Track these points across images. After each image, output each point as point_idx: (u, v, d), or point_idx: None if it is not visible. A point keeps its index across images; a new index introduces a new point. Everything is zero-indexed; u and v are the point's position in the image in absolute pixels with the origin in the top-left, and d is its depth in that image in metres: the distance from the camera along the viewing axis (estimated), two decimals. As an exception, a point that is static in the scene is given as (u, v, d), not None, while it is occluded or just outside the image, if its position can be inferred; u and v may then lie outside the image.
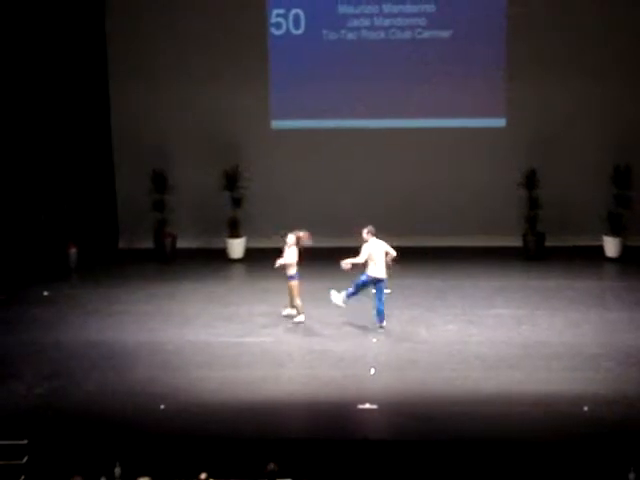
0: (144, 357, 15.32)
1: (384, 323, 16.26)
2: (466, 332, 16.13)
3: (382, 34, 20.93)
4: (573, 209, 20.86)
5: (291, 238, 16.57)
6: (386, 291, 16.89)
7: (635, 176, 20.22)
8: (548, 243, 20.54)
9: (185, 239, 21.12)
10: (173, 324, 16.78)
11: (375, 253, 16.18)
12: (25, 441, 12.33)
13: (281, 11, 20.99)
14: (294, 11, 20.96)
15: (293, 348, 15.60)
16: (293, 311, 16.72)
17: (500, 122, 21.02)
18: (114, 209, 21.72)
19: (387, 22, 20.90)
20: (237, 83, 21.06)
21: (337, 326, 16.50)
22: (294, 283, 16.56)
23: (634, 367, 14.51)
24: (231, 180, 20.73)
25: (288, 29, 21.01)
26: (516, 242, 20.64)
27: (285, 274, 16.58)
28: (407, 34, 20.89)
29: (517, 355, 15.07)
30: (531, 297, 17.81)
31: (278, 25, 21.03)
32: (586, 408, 13.06)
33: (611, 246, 20.32)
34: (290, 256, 16.49)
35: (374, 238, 16.27)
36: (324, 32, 20.99)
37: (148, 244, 21.04)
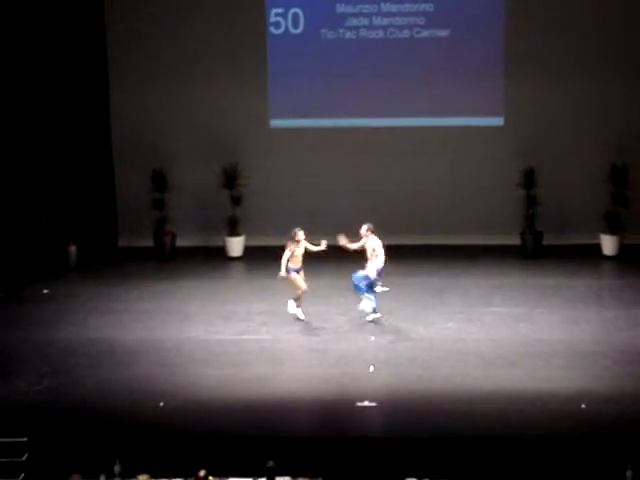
0: (143, 355, 15.35)
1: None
2: (465, 330, 16.16)
3: (380, 33, 20.96)
4: (571, 207, 20.90)
5: (301, 234, 16.48)
6: (384, 289, 16.93)
7: (632, 175, 20.25)
8: (546, 241, 20.58)
9: (184, 237, 21.15)
10: (172, 322, 16.81)
11: (379, 249, 16.21)
12: (25, 439, 12.36)
13: (280, 10, 21.03)
14: (293, 10, 20.99)
15: (292, 346, 15.64)
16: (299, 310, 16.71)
17: (498, 121, 21.06)
18: (114, 207, 21.76)
19: (385, 21, 20.93)
20: (236, 82, 21.09)
21: (336, 324, 16.53)
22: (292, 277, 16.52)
23: (631, 365, 14.53)
24: (230, 179, 20.77)
25: (287, 28, 21.05)
26: (514, 240, 20.68)
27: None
28: (405, 33, 20.93)
29: (515, 353, 15.10)
30: (529, 295, 17.84)
31: (277, 24, 21.07)
32: (584, 405, 13.09)
33: (609, 244, 20.36)
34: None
35: (373, 235, 16.29)
36: (323, 31, 21.03)
37: (148, 242, 21.07)
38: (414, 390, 13.84)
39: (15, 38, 20.45)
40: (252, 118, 21.24)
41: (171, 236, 20.99)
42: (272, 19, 21.09)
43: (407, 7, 20.90)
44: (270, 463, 11.05)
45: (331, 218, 20.26)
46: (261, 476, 11.13)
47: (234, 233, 20.94)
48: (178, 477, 11.58)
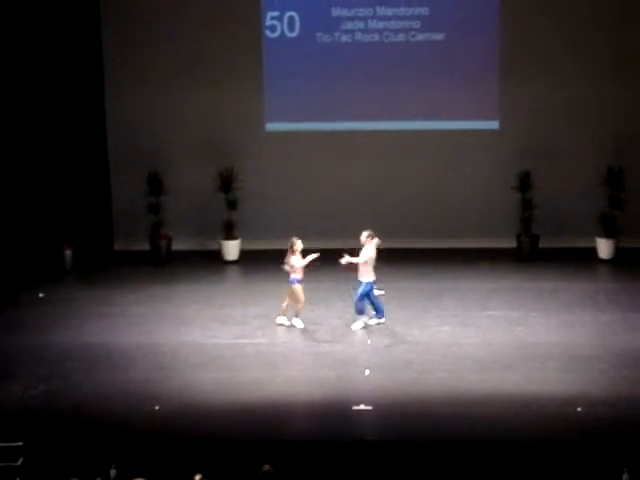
0: (139, 359, 15.34)
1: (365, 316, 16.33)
2: (460, 333, 16.16)
3: (376, 37, 20.98)
4: (567, 211, 20.92)
5: (299, 244, 16.47)
6: (380, 292, 16.93)
7: (628, 178, 20.27)
8: (542, 244, 20.60)
9: (180, 241, 21.16)
10: (168, 326, 16.80)
11: (373, 257, 16.22)
12: (20, 443, 12.34)
13: (275, 14, 21.04)
14: (288, 14, 21.01)
15: (288, 350, 15.63)
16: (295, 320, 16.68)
17: (493, 124, 21.09)
18: (109, 211, 21.75)
19: (381, 25, 20.95)
20: (232, 85, 21.11)
21: (331, 328, 16.53)
22: (294, 287, 16.50)
23: (627, 368, 14.55)
24: (226, 182, 20.78)
25: (283, 32, 21.06)
26: (510, 243, 20.69)
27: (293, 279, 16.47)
28: (401, 37, 20.95)
29: (511, 356, 15.10)
30: (525, 298, 17.85)
31: (273, 28, 21.08)
32: (580, 409, 13.10)
33: (604, 248, 20.38)
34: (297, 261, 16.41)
35: (370, 245, 16.27)
36: (318, 35, 21.05)
37: (143, 246, 21.06)
38: (410, 393, 13.84)
39: (10, 43, 20.45)
40: (248, 121, 21.24)
41: (167, 240, 20.98)
42: (268, 22, 21.10)
43: (402, 11, 20.93)
44: (266, 467, 11.03)
45: (327, 222, 20.29)
46: (257, 480, 11.12)
47: (230, 237, 20.94)
48: (174, 481, 11.58)
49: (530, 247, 20.56)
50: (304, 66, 21.12)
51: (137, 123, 21.33)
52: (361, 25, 20.99)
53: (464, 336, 16.04)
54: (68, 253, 20.35)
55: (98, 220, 21.57)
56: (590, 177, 20.42)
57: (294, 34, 21.09)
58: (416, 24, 20.92)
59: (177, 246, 21.10)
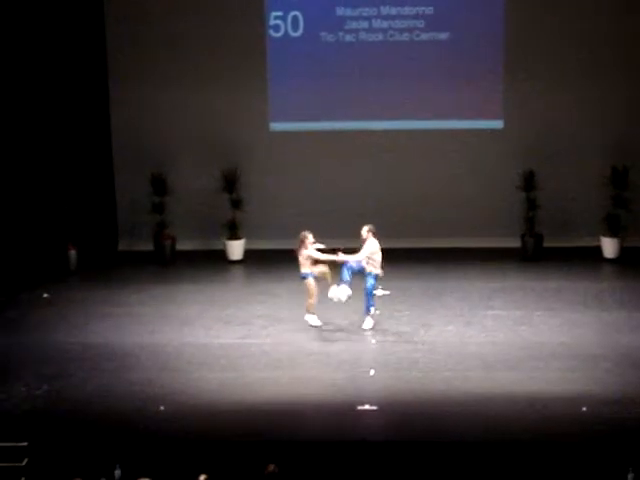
0: (144, 359, 15.34)
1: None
2: (465, 333, 16.16)
3: (380, 36, 20.96)
4: (571, 210, 20.90)
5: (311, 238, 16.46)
6: (385, 292, 16.92)
7: (633, 177, 20.25)
8: (546, 244, 20.58)
9: (184, 241, 21.15)
10: (172, 326, 16.80)
11: (376, 252, 16.21)
12: (25, 443, 12.35)
13: (279, 13, 21.02)
14: (292, 13, 20.99)
15: (292, 350, 15.62)
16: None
17: (498, 124, 21.06)
18: (114, 211, 21.75)
19: (385, 24, 20.93)
20: (236, 85, 21.09)
21: (336, 328, 16.53)
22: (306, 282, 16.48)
23: (632, 368, 14.53)
24: (230, 182, 20.77)
25: (286, 31, 21.04)
26: (514, 243, 20.67)
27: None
28: (405, 36, 20.93)
29: (516, 356, 15.09)
30: (529, 298, 17.84)
31: (276, 27, 21.06)
32: (585, 408, 13.09)
33: (609, 247, 20.36)
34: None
35: (373, 238, 16.28)
36: (322, 34, 21.02)
37: (148, 246, 21.07)
38: (415, 393, 13.84)
39: (14, 44, 20.46)
40: (252, 121, 21.24)
41: (171, 240, 20.98)
42: (271, 22, 21.09)
43: (407, 10, 20.90)
44: (271, 467, 11.03)
45: (331, 221, 20.24)
46: (262, 480, 11.12)
47: (234, 237, 20.93)
48: (178, 481, 11.59)
49: (534, 246, 20.54)
50: (308, 66, 21.10)
51: (141, 123, 21.33)
52: (365, 24, 20.97)
53: (469, 335, 16.04)
54: (72, 253, 20.35)
55: (102, 220, 21.56)
56: (594, 176, 20.41)
57: (298, 33, 21.07)
58: (420, 23, 20.89)
59: (181, 246, 21.09)
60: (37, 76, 20.76)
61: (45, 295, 18.59)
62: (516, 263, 20.19)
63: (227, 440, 12.59)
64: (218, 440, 12.59)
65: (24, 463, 12.22)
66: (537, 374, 14.36)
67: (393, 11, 20.93)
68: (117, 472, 11.55)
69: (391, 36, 20.97)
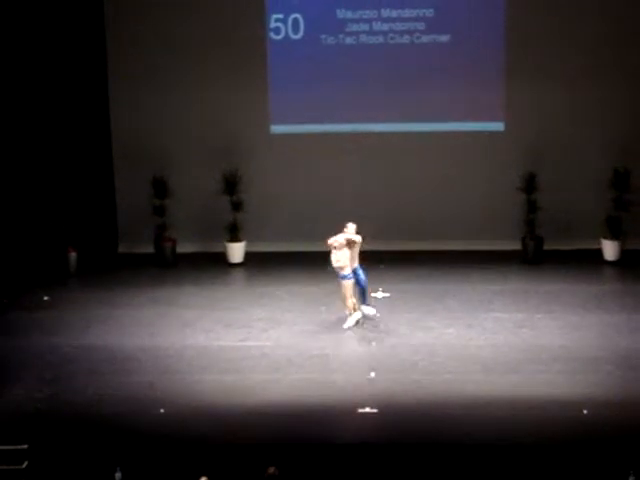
0: (144, 361, 15.34)
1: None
2: (465, 336, 16.14)
3: (381, 39, 20.95)
4: (572, 212, 20.88)
5: (341, 238, 16.47)
6: (385, 294, 16.93)
7: (634, 179, 20.24)
8: (547, 246, 20.56)
9: (185, 244, 21.14)
10: (173, 328, 16.80)
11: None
12: (25, 446, 12.35)
13: (280, 16, 21.02)
14: (293, 16, 20.98)
15: (293, 352, 15.61)
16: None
17: (498, 126, 21.05)
18: (114, 213, 21.75)
19: (386, 27, 20.92)
20: (236, 88, 21.08)
21: (336, 330, 16.52)
22: (346, 283, 16.49)
23: (633, 370, 14.52)
24: (230, 185, 20.76)
25: (287, 34, 21.04)
26: (515, 246, 20.66)
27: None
28: (406, 38, 20.92)
29: (516, 358, 15.09)
30: (530, 301, 17.82)
31: (277, 30, 21.06)
32: (586, 411, 13.08)
33: (610, 249, 20.34)
34: (343, 257, 16.39)
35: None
36: (323, 37, 21.01)
37: (148, 249, 21.06)
38: (415, 396, 13.83)
39: (13, 46, 20.46)
40: (252, 124, 21.23)
41: (171, 242, 20.97)
42: (272, 25, 21.08)
43: (407, 12, 20.89)
44: (271, 470, 11.03)
45: (332, 224, 20.18)
46: (262, 483, 11.13)
47: (235, 239, 20.92)
48: (179, 484, 11.59)
49: (535, 249, 20.52)
50: (309, 68, 21.09)
51: (141, 125, 21.32)
52: (366, 27, 20.96)
53: (469, 338, 16.03)
54: (73, 256, 20.34)
55: (102, 223, 21.56)
56: (596, 178, 20.40)
57: (299, 36, 21.07)
58: (421, 26, 20.88)
59: (182, 249, 21.08)
60: (37, 78, 20.75)
61: (45, 298, 18.59)
62: (517, 266, 20.17)
63: (227, 443, 12.59)
64: (218, 443, 12.59)
65: (24, 466, 12.22)
66: (538, 377, 14.36)
67: (394, 13, 20.92)
68: (117, 475, 11.56)
69: (392, 39, 20.97)
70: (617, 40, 20.55)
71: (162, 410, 13.44)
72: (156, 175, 20.85)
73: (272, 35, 21.11)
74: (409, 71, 20.93)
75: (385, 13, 20.92)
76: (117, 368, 15.06)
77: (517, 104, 20.80)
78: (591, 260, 20.21)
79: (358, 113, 21.10)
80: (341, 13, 20.95)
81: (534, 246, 20.52)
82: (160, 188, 20.87)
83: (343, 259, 16.34)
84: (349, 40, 21.00)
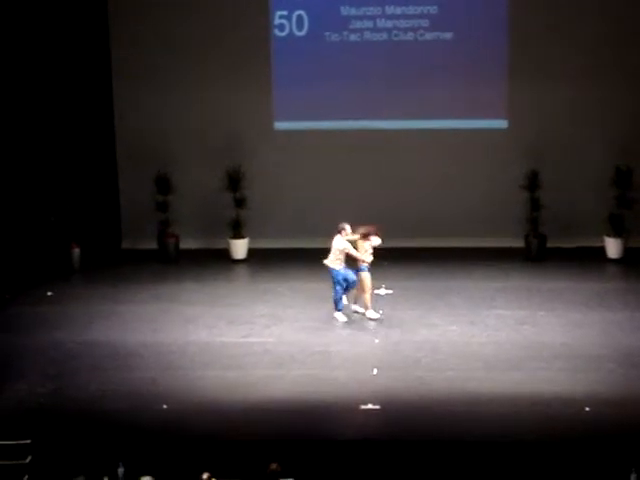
0: (147, 357, 15.35)
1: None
2: (468, 333, 16.15)
3: (384, 36, 20.96)
4: (575, 210, 20.88)
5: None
6: (388, 291, 16.94)
7: (637, 177, 20.23)
8: (550, 244, 20.57)
9: (188, 240, 21.16)
10: (176, 324, 16.81)
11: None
12: (28, 441, 12.37)
13: (284, 13, 21.03)
14: (297, 13, 21.00)
15: (295, 349, 15.62)
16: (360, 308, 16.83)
17: (502, 123, 21.06)
18: (117, 210, 21.77)
19: (390, 24, 20.93)
20: (240, 84, 21.10)
21: (339, 327, 16.54)
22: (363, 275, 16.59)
23: (636, 368, 14.52)
24: (234, 181, 20.77)
25: (291, 31, 21.05)
26: (518, 243, 20.67)
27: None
28: (409, 36, 20.93)
29: (519, 356, 15.09)
30: (533, 298, 17.83)
31: (281, 27, 21.07)
32: (588, 409, 13.09)
33: (612, 247, 20.34)
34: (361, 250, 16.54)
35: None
36: (327, 34, 21.02)
37: (151, 245, 21.08)
38: (417, 393, 13.84)
39: (18, 45, 20.48)
40: (256, 120, 21.24)
41: (175, 238, 20.99)
42: (276, 21, 21.09)
43: (411, 10, 20.90)
44: (273, 466, 11.04)
45: (335, 221, 20.22)
46: (264, 479, 11.12)
47: (238, 235, 20.94)
48: (181, 480, 11.61)
49: (538, 247, 20.53)
50: (312, 65, 21.10)
51: (145, 122, 21.34)
52: (370, 24, 20.97)
53: (472, 335, 16.04)
54: (76, 252, 20.38)
55: (106, 219, 21.58)
56: (598, 176, 20.40)
57: (303, 33, 21.08)
58: (425, 23, 20.89)
59: (185, 245, 21.11)
60: (42, 77, 20.77)
61: (49, 293, 18.62)
62: (519, 263, 20.17)
63: (230, 439, 12.60)
64: (221, 439, 12.60)
65: (27, 461, 12.24)
66: (540, 374, 14.36)
67: (398, 11, 20.93)
68: (120, 470, 11.56)
69: (395, 36, 20.98)
70: (619, 39, 20.56)
71: (165, 406, 13.46)
72: (159, 171, 20.87)
73: (276, 32, 21.12)
74: (412, 68, 20.95)
75: (389, 10, 20.93)
76: (120, 364, 15.08)
77: (520, 102, 20.81)
78: (594, 258, 20.22)
79: (362, 110, 21.11)
80: (345, 10, 20.96)
81: (537, 244, 20.53)
82: (163, 184, 20.89)
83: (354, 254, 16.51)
84: (353, 37, 21.01)
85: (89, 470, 11.53)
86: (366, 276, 16.57)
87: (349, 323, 16.64)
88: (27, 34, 20.54)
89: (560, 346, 15.42)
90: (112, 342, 15.98)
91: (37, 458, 12.24)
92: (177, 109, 21.27)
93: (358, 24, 20.99)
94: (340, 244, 16.57)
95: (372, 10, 20.94)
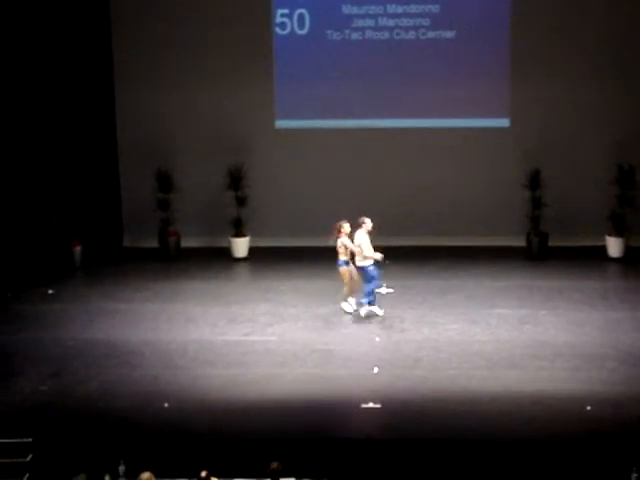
0: (148, 355, 15.36)
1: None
2: (469, 331, 16.15)
3: (386, 34, 20.95)
4: (576, 209, 20.88)
5: (347, 228, 16.77)
6: (389, 290, 16.94)
7: (638, 176, 20.23)
8: (551, 243, 20.56)
9: (189, 238, 21.16)
10: (177, 323, 16.82)
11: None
12: (29, 439, 12.38)
13: (286, 11, 21.03)
14: (299, 11, 20.99)
15: (297, 347, 15.61)
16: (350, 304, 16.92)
17: (504, 122, 21.05)
18: (119, 208, 21.77)
19: (391, 22, 20.92)
20: (241, 83, 21.09)
21: (340, 325, 16.54)
22: (342, 270, 16.70)
23: (637, 367, 14.51)
24: (235, 179, 20.77)
25: (293, 29, 21.04)
26: (519, 242, 20.66)
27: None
28: (411, 34, 20.92)
29: (520, 354, 15.09)
30: (534, 297, 17.82)
31: (283, 25, 21.07)
32: (589, 408, 13.08)
33: (614, 246, 20.33)
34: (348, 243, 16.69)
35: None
36: (328, 32, 21.01)
37: (153, 243, 21.08)
38: (418, 391, 13.84)
39: (21, 42, 20.49)
40: (257, 119, 21.24)
41: (176, 237, 21.00)
42: (278, 20, 21.09)
43: (413, 8, 20.89)
44: (274, 464, 11.04)
45: (336, 219, 20.22)
46: (265, 477, 11.12)
47: (239, 234, 20.94)
48: (182, 478, 11.58)
49: (539, 245, 20.52)
50: (314, 63, 21.10)
51: (147, 120, 21.34)
52: (371, 23, 20.96)
53: (473, 334, 16.03)
54: (77, 250, 20.39)
55: (107, 217, 21.59)
56: (600, 175, 20.39)
57: (304, 31, 21.07)
58: (426, 22, 20.88)
59: (186, 243, 21.11)
60: (44, 74, 20.77)
61: (50, 291, 18.62)
62: (521, 262, 20.17)
63: (231, 437, 12.60)
64: (222, 437, 12.59)
65: (28, 459, 12.25)
66: (541, 373, 14.36)
67: (399, 9, 20.92)
68: (121, 468, 11.58)
69: (397, 34, 20.96)
70: (620, 38, 20.53)
71: (166, 404, 13.46)
72: (161, 169, 20.88)
73: (278, 30, 21.11)
74: (414, 67, 20.94)
75: (391, 9, 20.92)
76: (121, 362, 15.08)
77: (522, 101, 20.79)
78: (595, 257, 20.21)
79: (363, 109, 21.10)
80: (347, 9, 20.96)
81: (538, 242, 20.53)
82: (165, 182, 20.89)
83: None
84: (355, 36, 21.00)
85: (90, 468, 11.54)
86: (345, 271, 16.63)
87: (351, 322, 16.64)
88: (30, 35, 20.56)
89: (561, 345, 15.42)
90: (113, 340, 15.98)
91: (38, 456, 12.24)
92: (179, 108, 21.27)
93: (360, 23, 20.98)
94: (358, 238, 16.58)
95: (374, 9, 20.93)
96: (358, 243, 16.61)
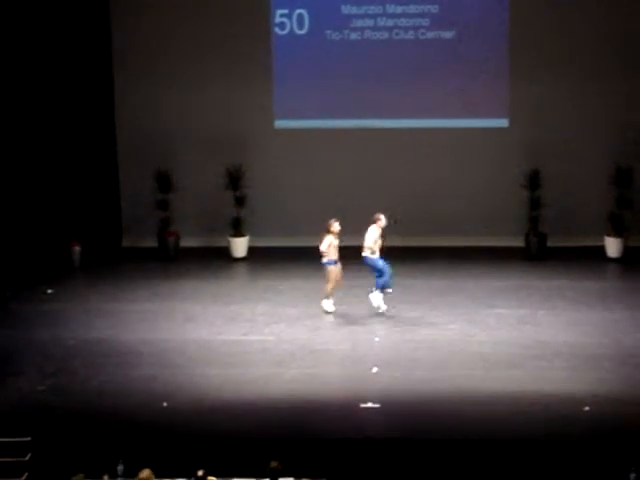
0: (147, 355, 15.36)
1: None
2: (468, 332, 16.15)
3: (385, 34, 20.96)
4: (575, 209, 20.88)
5: (336, 226, 16.85)
6: (387, 290, 16.94)
7: (637, 176, 20.25)
8: (550, 243, 20.57)
9: (188, 238, 21.16)
10: (176, 322, 16.82)
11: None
12: (28, 438, 12.38)
13: (285, 11, 21.03)
14: (298, 11, 20.99)
15: (295, 347, 15.62)
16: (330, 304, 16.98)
17: (503, 122, 21.05)
18: (118, 207, 21.77)
19: (391, 22, 20.93)
20: (241, 83, 21.09)
21: (339, 325, 16.55)
22: (329, 268, 16.76)
23: (635, 367, 14.52)
24: (234, 179, 20.77)
25: (292, 29, 21.05)
26: (518, 242, 20.66)
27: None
28: (410, 34, 20.92)
29: (518, 355, 15.10)
30: (533, 297, 17.83)
31: (282, 25, 21.07)
32: (587, 408, 13.09)
33: (612, 246, 20.34)
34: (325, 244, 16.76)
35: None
36: (328, 32, 21.01)
37: (152, 243, 21.08)
38: (417, 391, 13.85)
39: (20, 42, 20.48)
40: (256, 119, 21.24)
41: (175, 236, 20.99)
42: (277, 20, 21.09)
43: (412, 8, 20.89)
44: (273, 464, 11.05)
45: (336, 219, 20.27)
46: (264, 477, 11.13)
47: (238, 234, 20.94)
48: (181, 477, 11.58)
49: (538, 246, 20.53)
50: (313, 63, 21.10)
51: (146, 120, 21.34)
52: (370, 23, 20.96)
53: (472, 334, 16.04)
54: (76, 249, 20.38)
55: (106, 216, 21.58)
56: (599, 176, 20.39)
57: (303, 31, 21.07)
58: (425, 22, 20.89)
59: (185, 243, 21.10)
60: (42, 74, 20.75)
61: (49, 291, 18.62)
62: (520, 262, 20.17)
63: (230, 436, 12.60)
64: (221, 436, 12.60)
65: (27, 458, 12.25)
66: (540, 373, 14.37)
67: (398, 9, 20.93)
68: (120, 467, 11.57)
69: (396, 34, 20.97)
70: (621, 37, 20.54)
71: (164, 403, 13.46)
72: (160, 169, 20.87)
73: (277, 30, 21.12)
74: (413, 67, 20.94)
75: (390, 9, 20.93)
76: (120, 361, 15.09)
77: (521, 101, 20.79)
78: (594, 257, 20.21)
79: (362, 109, 21.10)
80: (346, 9, 20.96)
81: (537, 243, 20.53)
82: (164, 182, 20.89)
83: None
84: (354, 36, 21.01)
85: (89, 467, 11.53)
86: (332, 269, 16.68)
87: (349, 321, 16.65)
88: (29, 31, 20.54)
89: (560, 345, 15.42)
90: (112, 339, 15.99)
91: (37, 455, 12.25)
92: (178, 107, 21.26)
93: (359, 23, 20.98)
94: (370, 233, 16.63)
95: (373, 9, 20.93)
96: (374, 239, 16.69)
